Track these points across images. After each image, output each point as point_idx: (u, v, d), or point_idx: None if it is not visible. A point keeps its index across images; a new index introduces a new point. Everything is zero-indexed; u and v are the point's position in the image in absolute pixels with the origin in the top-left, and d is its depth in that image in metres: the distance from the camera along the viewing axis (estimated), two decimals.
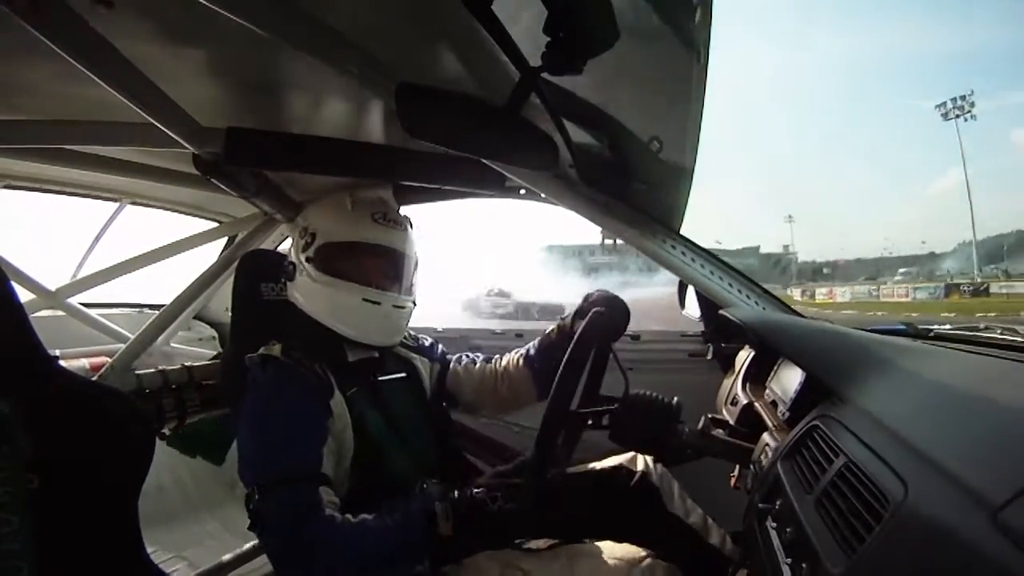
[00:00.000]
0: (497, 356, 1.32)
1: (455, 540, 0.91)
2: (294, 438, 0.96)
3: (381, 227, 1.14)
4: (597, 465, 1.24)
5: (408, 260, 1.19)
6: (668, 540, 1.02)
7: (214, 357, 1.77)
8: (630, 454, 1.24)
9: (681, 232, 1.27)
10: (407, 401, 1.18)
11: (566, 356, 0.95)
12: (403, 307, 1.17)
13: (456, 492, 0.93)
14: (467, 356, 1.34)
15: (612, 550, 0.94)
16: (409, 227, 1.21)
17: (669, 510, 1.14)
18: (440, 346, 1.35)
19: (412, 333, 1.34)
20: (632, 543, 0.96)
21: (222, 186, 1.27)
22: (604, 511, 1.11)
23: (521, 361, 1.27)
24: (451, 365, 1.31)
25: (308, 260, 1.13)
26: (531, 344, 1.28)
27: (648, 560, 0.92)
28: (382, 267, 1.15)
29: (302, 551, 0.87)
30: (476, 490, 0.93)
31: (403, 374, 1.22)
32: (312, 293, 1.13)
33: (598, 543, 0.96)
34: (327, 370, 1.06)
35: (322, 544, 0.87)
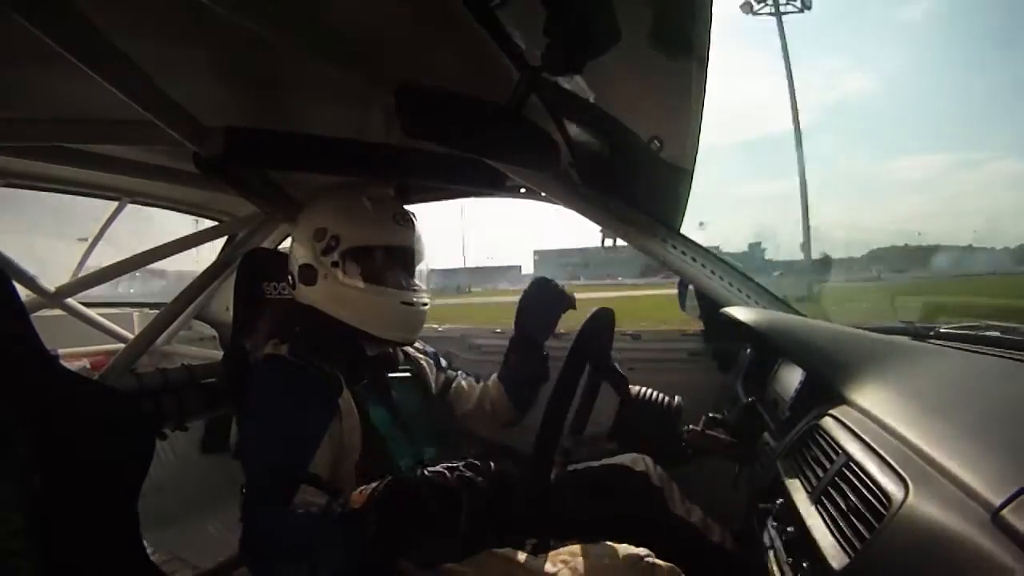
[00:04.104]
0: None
1: (380, 534, 0.81)
2: (287, 436, 0.97)
3: (401, 228, 1.14)
4: (596, 464, 1.24)
5: (423, 257, 1.20)
6: (672, 541, 1.01)
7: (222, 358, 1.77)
8: (631, 456, 1.24)
9: (681, 231, 1.27)
10: (413, 398, 1.19)
11: (561, 370, 0.95)
12: (428, 304, 1.19)
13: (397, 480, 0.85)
14: (468, 374, 1.36)
15: (612, 550, 0.94)
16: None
17: (671, 511, 1.15)
18: (442, 359, 1.36)
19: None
20: (632, 543, 0.96)
21: (223, 185, 1.27)
22: (606, 511, 1.11)
23: (496, 378, 1.30)
24: (456, 379, 1.33)
25: (334, 264, 1.11)
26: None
27: (648, 560, 0.92)
28: (408, 268, 1.17)
29: (252, 541, 0.89)
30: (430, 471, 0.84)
31: (410, 373, 1.23)
32: (342, 298, 1.11)
33: (599, 543, 0.96)
34: (337, 368, 1.06)
35: (264, 536, 0.89)
